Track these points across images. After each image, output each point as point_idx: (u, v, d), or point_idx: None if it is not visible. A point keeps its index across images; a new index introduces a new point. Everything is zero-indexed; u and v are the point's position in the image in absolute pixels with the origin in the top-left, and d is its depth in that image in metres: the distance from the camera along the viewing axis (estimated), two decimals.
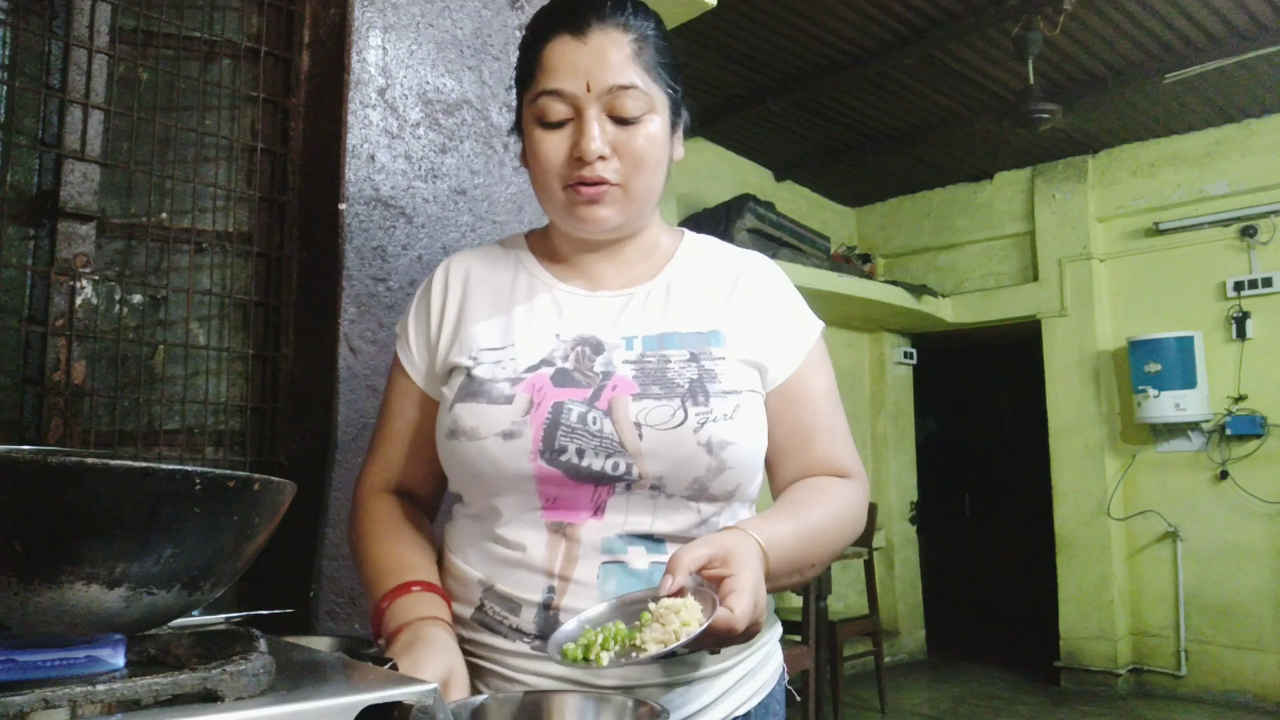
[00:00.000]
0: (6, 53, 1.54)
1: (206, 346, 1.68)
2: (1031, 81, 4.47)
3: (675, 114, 1.09)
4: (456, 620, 1.05)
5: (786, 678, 1.16)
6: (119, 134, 1.60)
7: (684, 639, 0.82)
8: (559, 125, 1.03)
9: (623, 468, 0.98)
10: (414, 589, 1.01)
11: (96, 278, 1.55)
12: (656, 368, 1.01)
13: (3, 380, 1.48)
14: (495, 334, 1.07)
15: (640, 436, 0.97)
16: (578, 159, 1.02)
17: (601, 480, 0.98)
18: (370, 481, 1.17)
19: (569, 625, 0.91)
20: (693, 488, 1.00)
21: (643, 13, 1.06)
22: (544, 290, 1.11)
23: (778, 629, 1.14)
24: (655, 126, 1.04)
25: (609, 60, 1.01)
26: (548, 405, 0.99)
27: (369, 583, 1.08)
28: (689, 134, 1.15)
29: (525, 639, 0.99)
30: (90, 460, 0.62)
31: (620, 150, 1.02)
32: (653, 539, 1.00)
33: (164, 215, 1.65)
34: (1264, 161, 5.38)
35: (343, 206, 1.66)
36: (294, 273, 1.75)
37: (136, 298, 1.63)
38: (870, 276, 6.14)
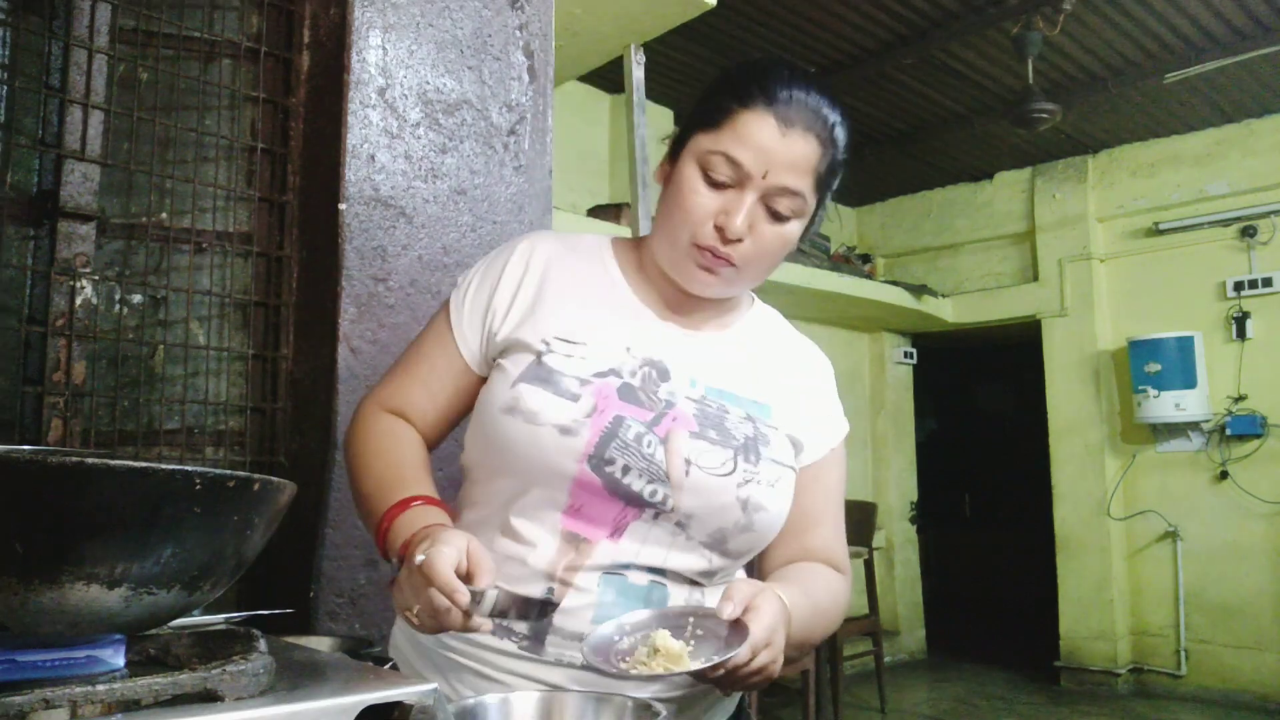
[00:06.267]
0: (6, 53, 1.54)
1: (206, 346, 1.68)
2: (1031, 81, 4.47)
3: (813, 221, 1.10)
4: None
5: (750, 701, 1.19)
6: (119, 134, 1.60)
7: (676, 670, 0.86)
8: (716, 185, 1.02)
9: (660, 496, 0.99)
10: (414, 504, 1.00)
11: (96, 278, 1.55)
12: (715, 414, 1.04)
13: (3, 380, 1.48)
14: (570, 326, 1.06)
15: (687, 474, 0.99)
16: (718, 228, 1.02)
17: (634, 502, 0.99)
18: (377, 399, 1.14)
19: (606, 628, 0.92)
20: (714, 536, 1.02)
21: (844, 131, 1.06)
22: (622, 301, 1.11)
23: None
24: (794, 229, 1.05)
25: (794, 164, 1.01)
26: (610, 414, 1.00)
27: (367, 498, 1.05)
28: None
29: (514, 638, 0.99)
30: (90, 460, 0.62)
31: (756, 234, 1.03)
32: (658, 570, 1.02)
33: (164, 215, 1.65)
34: (1264, 161, 5.38)
35: (343, 206, 1.66)
36: (294, 273, 1.75)
37: (136, 298, 1.63)
38: (870, 276, 6.13)
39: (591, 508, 1.00)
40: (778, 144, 1.00)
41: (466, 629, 0.87)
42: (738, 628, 0.88)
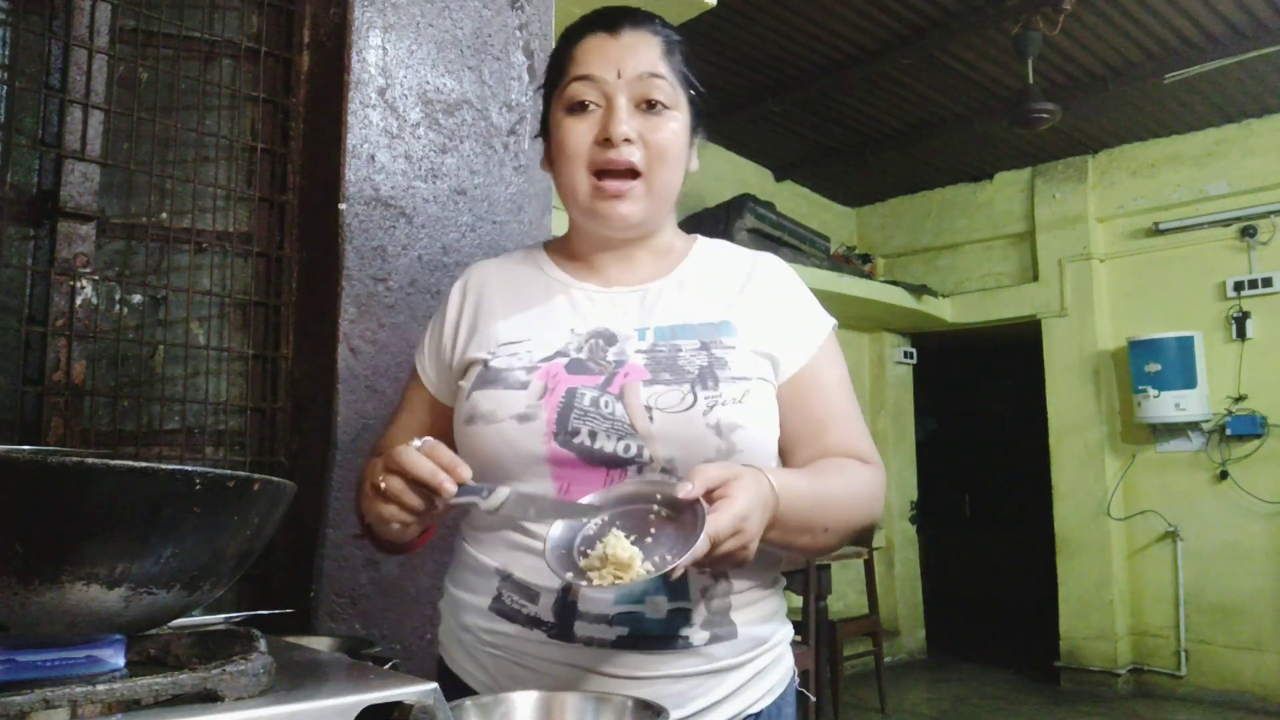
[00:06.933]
0: (6, 53, 1.54)
1: (206, 346, 1.68)
2: (1031, 81, 4.47)
3: (695, 121, 1.13)
4: (473, 610, 1.06)
5: (797, 680, 1.16)
6: (119, 134, 1.60)
7: (625, 580, 0.83)
8: (586, 113, 1.06)
9: (634, 450, 0.99)
10: None
11: (96, 278, 1.55)
12: (668, 356, 1.04)
13: (3, 380, 1.48)
14: (512, 330, 1.11)
15: (651, 419, 0.99)
16: (605, 141, 1.04)
17: (613, 463, 1.00)
18: (372, 449, 1.23)
19: (559, 529, 0.91)
20: None
21: (671, 27, 1.13)
22: (560, 289, 1.14)
23: (789, 630, 1.14)
24: (678, 124, 1.08)
25: (640, 53, 1.07)
26: (561, 390, 1.02)
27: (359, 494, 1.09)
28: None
29: (542, 628, 1.00)
30: (90, 460, 0.62)
31: (645, 139, 1.06)
32: None
33: (164, 215, 1.65)
34: (1264, 161, 5.38)
35: (343, 206, 1.66)
36: (294, 273, 1.75)
37: (136, 298, 1.63)
38: (870, 276, 6.13)
39: (578, 483, 1.01)
40: (615, 45, 1.07)
41: (428, 504, 0.91)
42: (702, 509, 0.85)
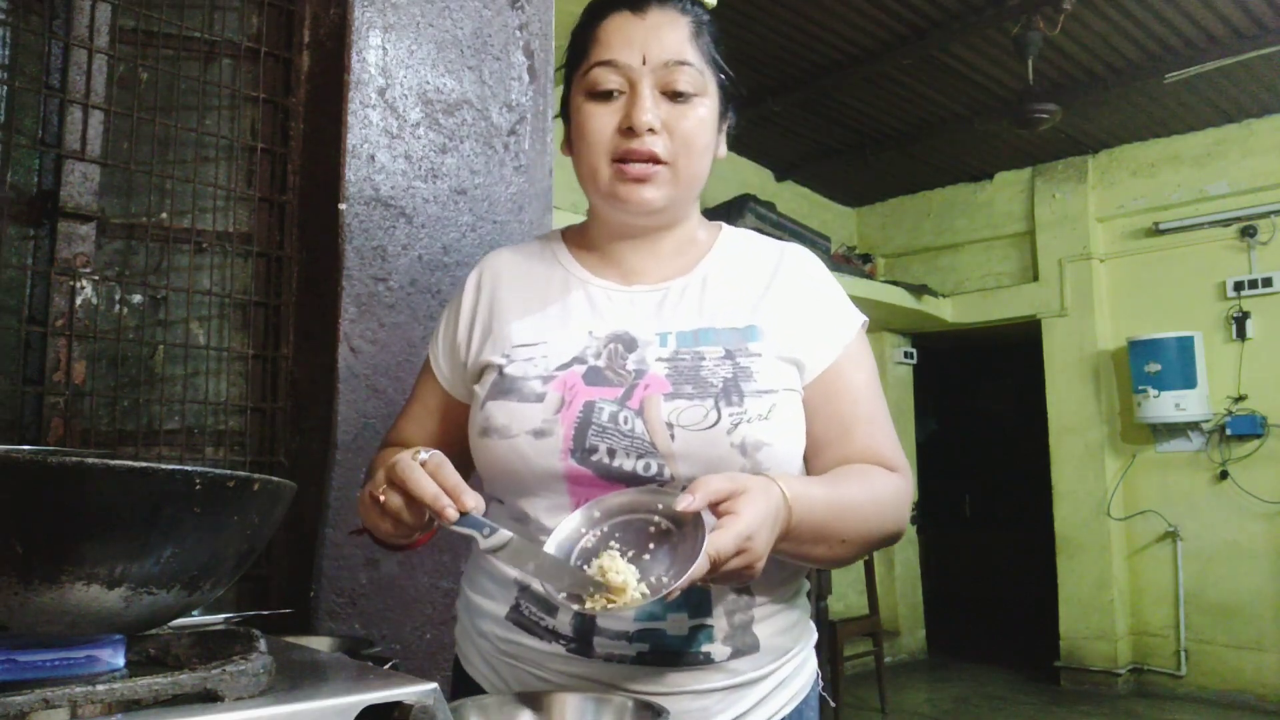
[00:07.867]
0: (6, 53, 1.54)
1: (206, 346, 1.68)
2: (1031, 81, 4.47)
3: (724, 106, 1.08)
4: (489, 617, 1.04)
5: (821, 683, 1.13)
6: (119, 134, 1.60)
7: (618, 603, 0.80)
8: (610, 100, 1.01)
9: (654, 469, 0.95)
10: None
11: (96, 278, 1.55)
12: (690, 366, 0.98)
13: (3, 380, 1.48)
14: (528, 331, 1.06)
15: (672, 437, 0.94)
16: (627, 130, 1.00)
17: (632, 482, 0.95)
18: (383, 441, 1.20)
19: (552, 545, 0.88)
20: None
21: (700, 4, 1.07)
22: (578, 286, 1.09)
23: (813, 635, 1.11)
24: (706, 110, 1.03)
25: (666, 37, 1.01)
26: (579, 404, 0.97)
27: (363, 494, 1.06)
28: (730, 141, 1.13)
29: (561, 641, 0.98)
30: (90, 460, 0.62)
31: (671, 128, 1.01)
32: None
33: (164, 215, 1.65)
34: (1264, 161, 5.38)
35: (343, 206, 1.66)
36: (294, 273, 1.75)
37: (136, 298, 1.63)
38: (870, 276, 6.14)
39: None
40: (640, 26, 1.01)
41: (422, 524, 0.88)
42: (706, 522, 0.81)
